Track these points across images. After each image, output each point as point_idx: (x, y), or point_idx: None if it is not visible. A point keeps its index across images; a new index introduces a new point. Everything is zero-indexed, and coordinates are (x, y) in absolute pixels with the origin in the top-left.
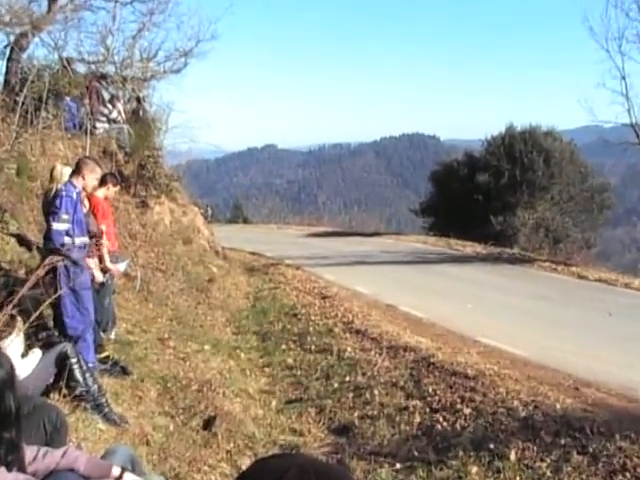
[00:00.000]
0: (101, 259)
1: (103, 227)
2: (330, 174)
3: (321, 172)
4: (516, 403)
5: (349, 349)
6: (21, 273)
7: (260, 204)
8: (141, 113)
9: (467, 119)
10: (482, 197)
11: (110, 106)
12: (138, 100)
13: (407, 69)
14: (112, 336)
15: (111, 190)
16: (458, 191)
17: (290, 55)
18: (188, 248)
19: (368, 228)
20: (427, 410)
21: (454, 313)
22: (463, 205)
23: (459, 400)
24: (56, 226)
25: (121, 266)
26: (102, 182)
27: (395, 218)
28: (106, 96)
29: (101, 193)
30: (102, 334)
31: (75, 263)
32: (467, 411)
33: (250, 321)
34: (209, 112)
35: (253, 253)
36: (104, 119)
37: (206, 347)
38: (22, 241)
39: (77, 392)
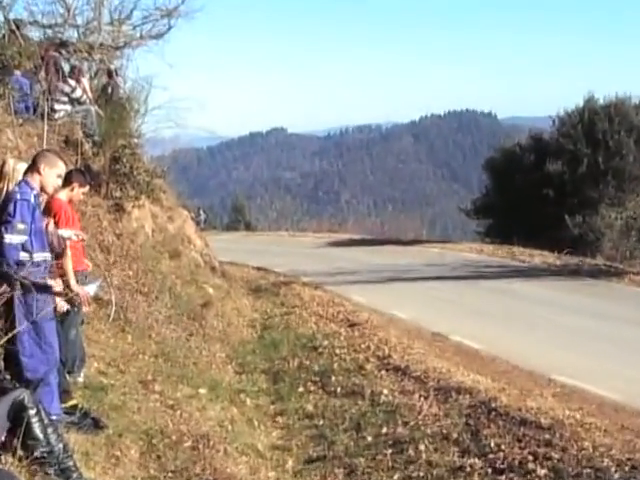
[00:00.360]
0: (65, 280)
1: (66, 233)
2: (355, 165)
3: (344, 162)
4: (607, 462)
5: (385, 391)
6: None
7: (266, 205)
8: (113, 90)
9: (531, 92)
10: (554, 192)
11: (72, 82)
12: (109, 74)
13: (451, 34)
14: (80, 379)
15: (77, 191)
16: (522, 184)
17: (302, 20)
18: (176, 263)
19: (406, 234)
20: (489, 471)
21: (521, 343)
22: (529, 202)
23: (531, 458)
24: (9, 239)
25: (91, 288)
26: (66, 181)
27: (441, 221)
28: (67, 69)
29: (64, 195)
30: (68, 376)
31: (35, 287)
32: (542, 472)
33: (257, 356)
34: (201, 90)
35: (259, 268)
36: (65, 99)
37: (201, 391)
38: None
39: (37, 453)
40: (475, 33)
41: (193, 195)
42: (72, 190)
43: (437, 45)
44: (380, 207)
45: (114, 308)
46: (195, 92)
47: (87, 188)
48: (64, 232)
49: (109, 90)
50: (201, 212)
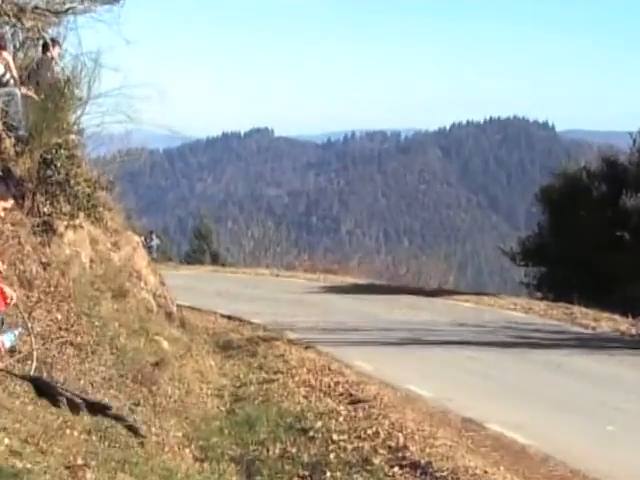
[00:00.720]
0: None
1: None
2: (362, 183)
3: (347, 179)
4: None
5: None
6: None
7: (241, 232)
8: (47, 70)
9: (602, 99)
10: (631, 235)
11: None
12: (44, 47)
13: (493, 22)
14: None
15: None
16: (589, 223)
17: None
18: (121, 306)
19: (427, 281)
20: None
21: (583, 440)
22: (597, 248)
23: None
24: None
25: (6, 338)
26: None
27: (473, 264)
28: None
29: None
30: None
31: None
32: None
33: (226, 439)
34: (163, 77)
35: (231, 318)
36: None
37: None
38: None
39: None
40: (525, 22)
41: (142, 213)
42: None
43: (474, 36)
44: (393, 242)
45: (35, 364)
46: (155, 78)
47: (10, 202)
48: None
49: (43, 69)
50: (153, 237)
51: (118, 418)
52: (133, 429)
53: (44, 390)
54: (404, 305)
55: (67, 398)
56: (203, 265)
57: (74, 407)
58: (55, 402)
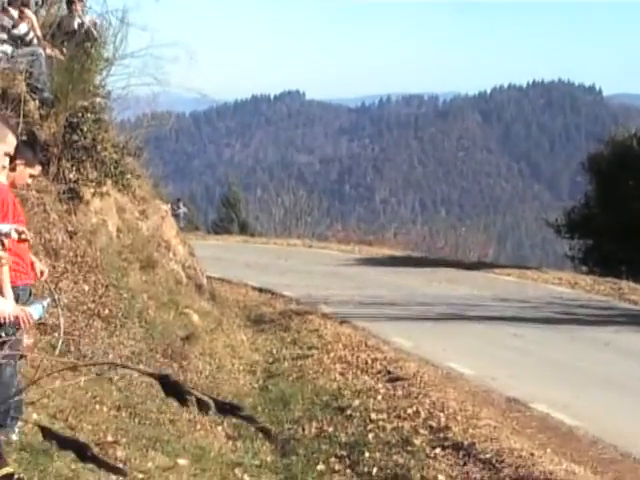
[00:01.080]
0: None
1: (4, 228)
2: (398, 150)
3: (382, 145)
4: None
5: (442, 478)
6: None
7: (271, 200)
8: (73, 27)
9: None
10: None
11: (14, 12)
12: (69, 3)
13: None
14: (15, 436)
15: (22, 172)
16: (639, 194)
17: None
18: (150, 278)
19: (467, 253)
20: None
21: (634, 421)
22: None
23: None
24: None
25: (34, 310)
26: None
27: (514, 236)
28: None
29: (3, 177)
30: None
31: None
32: None
33: (259, 416)
34: (192, 37)
35: (262, 290)
36: (4, 36)
37: (181, 462)
38: None
39: None
40: None
41: (168, 179)
42: (14, 170)
43: None
44: (430, 211)
45: (62, 337)
46: (183, 38)
47: (38, 169)
48: (1, 227)
49: (68, 27)
50: (180, 205)
51: (250, 419)
52: (265, 430)
53: (172, 388)
54: (443, 278)
55: (196, 397)
56: (231, 235)
57: (203, 406)
58: (183, 401)
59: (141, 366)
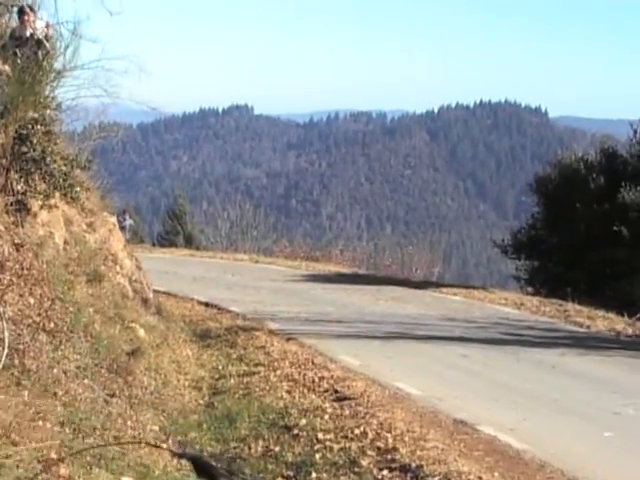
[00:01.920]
0: None
1: None
2: (345, 166)
3: (329, 161)
4: None
5: None
6: None
7: (217, 213)
8: (25, 37)
9: (599, 84)
10: (629, 230)
11: None
12: (21, 12)
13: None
14: None
15: None
16: (585, 217)
17: None
18: (96, 291)
19: (413, 272)
20: None
21: (581, 446)
22: (593, 242)
23: None
24: None
25: None
26: None
27: (461, 254)
28: None
29: None
30: None
31: None
32: None
33: (205, 434)
34: (141, 50)
35: (208, 305)
36: None
37: (125, 479)
38: None
39: None
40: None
41: (113, 190)
42: None
43: (465, 16)
44: (376, 228)
45: (6, 351)
46: (133, 50)
47: None
48: None
49: (21, 34)
50: (126, 217)
51: None
52: None
53: (204, 470)
54: (390, 297)
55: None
56: (177, 248)
57: None
58: None
59: (86, 381)
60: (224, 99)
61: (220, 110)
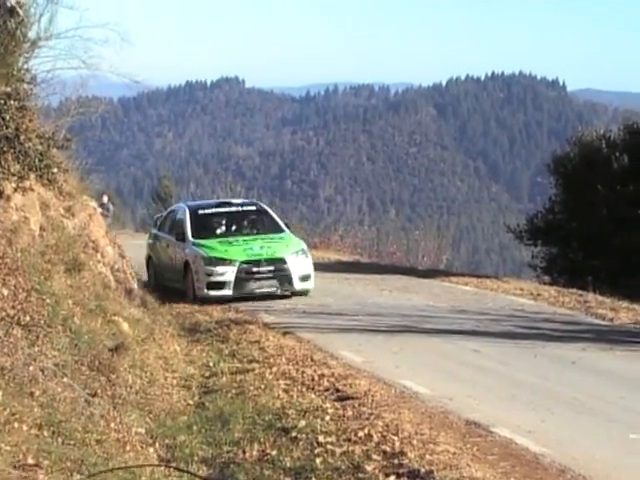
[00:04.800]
0: None
1: None
2: (345, 143)
3: (328, 138)
4: None
5: None
6: None
7: (206, 195)
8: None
9: (620, 54)
10: None
11: None
12: None
13: None
14: None
15: None
16: (608, 199)
17: None
18: (75, 282)
19: (419, 259)
20: None
21: (606, 450)
22: (617, 227)
23: None
24: None
25: None
26: None
27: (471, 240)
28: None
29: None
30: None
31: None
32: None
33: (195, 437)
34: (124, 17)
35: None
36: None
37: None
38: None
39: None
40: None
41: (92, 171)
42: None
43: None
44: (378, 211)
45: None
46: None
47: None
48: None
49: None
50: (105, 199)
51: None
52: None
53: None
54: (395, 287)
55: None
56: None
57: None
58: None
59: (65, 380)
60: (213, 71)
61: (208, 83)
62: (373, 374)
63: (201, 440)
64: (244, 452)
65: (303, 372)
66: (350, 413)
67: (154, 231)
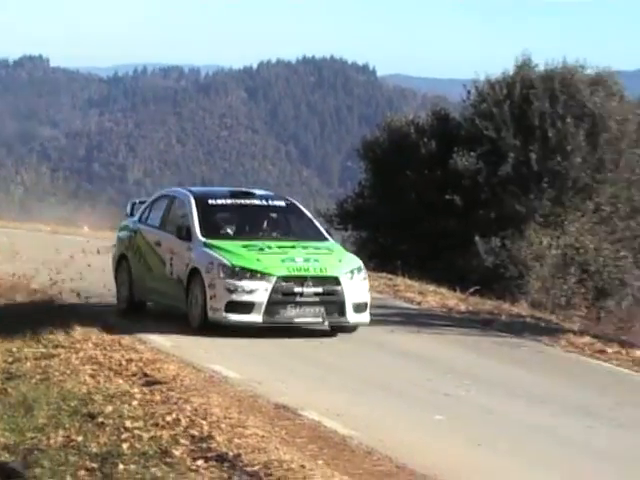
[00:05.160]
0: None
1: None
2: (154, 125)
3: (136, 120)
4: None
5: None
6: None
7: (10, 178)
8: None
9: (425, 46)
10: (462, 198)
11: None
12: None
13: None
14: None
15: None
16: (417, 183)
17: None
18: None
19: None
20: None
21: (410, 431)
22: (424, 211)
23: None
24: None
25: None
26: None
27: None
28: None
29: None
30: None
31: None
32: None
33: None
34: None
35: None
36: None
37: None
38: None
39: None
40: None
41: None
42: None
43: None
44: None
45: None
46: None
47: None
48: None
49: None
50: None
51: None
52: None
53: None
54: None
55: None
56: None
57: None
58: None
59: None
60: (15, 48)
61: (10, 61)
62: (182, 359)
63: (4, 427)
64: (48, 438)
65: (110, 357)
66: (158, 398)
67: (131, 221)
